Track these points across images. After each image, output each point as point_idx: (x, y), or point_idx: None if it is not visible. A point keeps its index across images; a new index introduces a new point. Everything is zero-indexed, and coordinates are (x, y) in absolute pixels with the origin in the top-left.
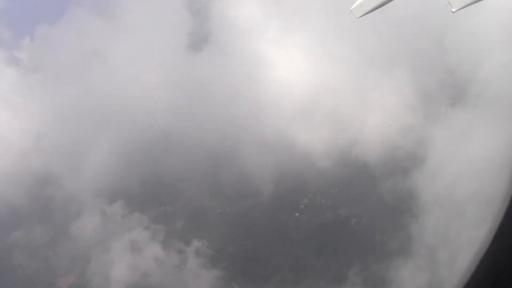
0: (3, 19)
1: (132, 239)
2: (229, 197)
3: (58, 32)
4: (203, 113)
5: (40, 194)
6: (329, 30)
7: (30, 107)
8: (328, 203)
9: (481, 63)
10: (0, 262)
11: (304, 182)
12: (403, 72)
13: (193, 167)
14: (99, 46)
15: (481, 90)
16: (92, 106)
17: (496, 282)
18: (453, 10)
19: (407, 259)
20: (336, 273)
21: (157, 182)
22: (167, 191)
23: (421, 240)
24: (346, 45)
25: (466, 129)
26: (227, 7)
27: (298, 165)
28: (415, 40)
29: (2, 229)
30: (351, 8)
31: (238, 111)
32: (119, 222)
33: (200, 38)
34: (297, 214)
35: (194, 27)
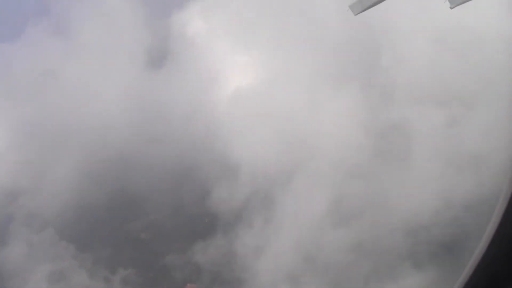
0: None
1: (57, 268)
2: (191, 214)
3: (15, 52)
4: (162, 130)
5: None
6: (283, 47)
7: None
8: None
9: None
10: None
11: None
12: (358, 88)
13: (152, 187)
14: (57, 65)
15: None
16: (50, 126)
17: (493, 283)
18: (451, 6)
19: None
20: None
21: (116, 201)
22: (129, 208)
23: None
24: (301, 62)
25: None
26: (185, 25)
27: (255, 182)
28: (374, 54)
29: None
30: (349, 5)
31: (195, 128)
32: (46, 251)
33: (158, 56)
34: None
35: (152, 45)
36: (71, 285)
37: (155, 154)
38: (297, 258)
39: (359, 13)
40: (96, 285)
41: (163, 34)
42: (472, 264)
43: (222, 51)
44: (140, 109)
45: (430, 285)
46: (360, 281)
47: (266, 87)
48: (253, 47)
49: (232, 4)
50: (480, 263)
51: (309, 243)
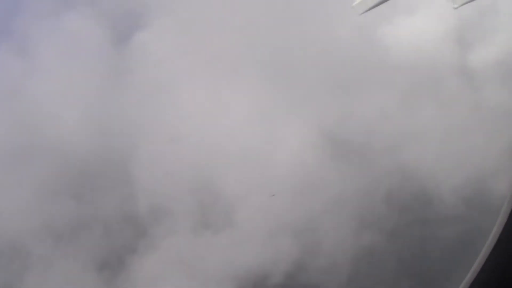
0: None
1: None
2: None
3: None
4: (126, 151)
5: None
6: (248, 67)
7: None
8: None
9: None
10: None
11: None
12: (315, 108)
13: (115, 211)
14: (19, 85)
15: None
16: (10, 146)
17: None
18: (455, 6)
19: None
20: None
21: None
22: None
23: None
24: (266, 82)
25: None
26: (147, 45)
27: None
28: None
29: None
30: (353, 4)
31: (159, 150)
32: None
33: (121, 76)
34: None
35: (114, 65)
36: None
37: (119, 178)
38: None
39: (363, 13)
40: None
41: (125, 55)
42: (477, 266)
43: (185, 72)
44: (104, 128)
45: None
46: None
47: (228, 109)
48: (216, 67)
49: (196, 24)
50: (485, 265)
51: None
